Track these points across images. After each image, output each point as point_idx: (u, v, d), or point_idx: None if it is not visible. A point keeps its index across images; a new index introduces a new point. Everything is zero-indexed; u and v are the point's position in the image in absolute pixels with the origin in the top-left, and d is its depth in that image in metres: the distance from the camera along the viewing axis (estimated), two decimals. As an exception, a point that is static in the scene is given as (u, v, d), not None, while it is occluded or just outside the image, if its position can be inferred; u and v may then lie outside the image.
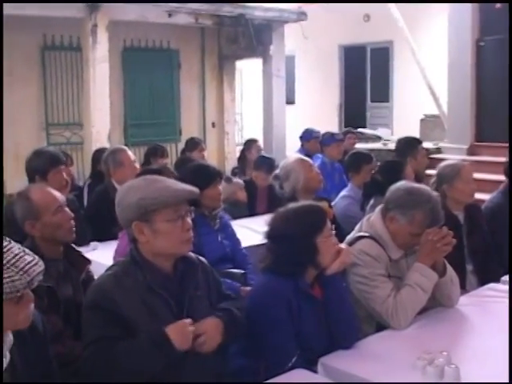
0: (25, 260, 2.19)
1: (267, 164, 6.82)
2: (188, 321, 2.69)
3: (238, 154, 10.49)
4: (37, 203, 3.42)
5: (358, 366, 2.96)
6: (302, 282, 3.13)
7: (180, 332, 2.65)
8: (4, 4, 9.10)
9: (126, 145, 10.04)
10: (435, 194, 3.74)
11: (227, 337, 2.85)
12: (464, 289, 4.09)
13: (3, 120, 10.35)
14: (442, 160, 6.35)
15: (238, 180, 6.65)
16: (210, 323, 2.79)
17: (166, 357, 2.62)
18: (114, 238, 4.75)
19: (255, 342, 3.10)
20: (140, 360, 2.60)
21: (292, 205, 3.31)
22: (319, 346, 3.12)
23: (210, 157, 10.82)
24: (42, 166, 4.86)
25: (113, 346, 2.61)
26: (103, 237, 5.17)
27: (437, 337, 3.28)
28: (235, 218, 5.17)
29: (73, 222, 3.49)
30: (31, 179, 4.85)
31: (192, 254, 2.97)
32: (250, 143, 8.91)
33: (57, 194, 3.55)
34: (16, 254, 2.19)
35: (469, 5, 10.73)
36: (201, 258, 3.03)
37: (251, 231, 5.30)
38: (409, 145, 6.53)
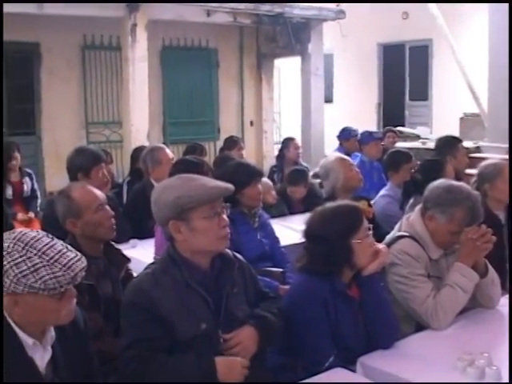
0: (68, 256, 2.23)
1: (303, 177, 6.75)
2: (241, 360, 2.70)
3: (276, 153, 10.48)
4: (78, 202, 3.45)
5: (397, 365, 2.94)
6: (339, 282, 3.12)
7: (229, 368, 2.67)
8: (44, 4, 9.26)
9: (164, 143, 10.10)
10: (475, 192, 3.70)
11: (262, 345, 2.86)
12: (505, 289, 4.04)
13: (40, 119, 10.52)
14: (481, 159, 6.27)
15: (266, 181, 6.54)
16: (245, 333, 2.80)
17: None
18: (152, 235, 4.78)
19: (292, 342, 3.10)
20: (180, 380, 2.62)
21: (329, 204, 3.29)
22: (357, 345, 3.10)
23: (248, 155, 10.84)
24: (84, 163, 4.89)
25: (153, 350, 2.63)
26: (142, 234, 5.20)
27: (477, 338, 3.25)
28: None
29: (113, 221, 3.51)
30: (73, 177, 4.88)
31: (229, 251, 2.97)
32: (287, 141, 8.91)
33: (98, 192, 3.58)
34: (59, 251, 2.23)
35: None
36: (237, 255, 3.04)
37: (290, 230, 5.30)
38: (449, 144, 6.46)
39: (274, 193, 6.27)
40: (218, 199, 2.81)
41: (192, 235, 2.76)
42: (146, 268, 2.87)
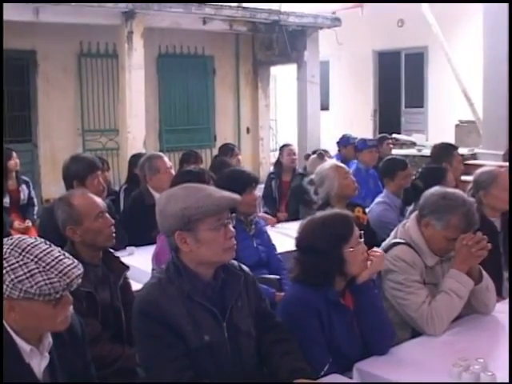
0: (64, 263, 2.25)
1: None
2: None
3: (272, 160, 10.50)
4: (78, 209, 3.46)
5: (393, 371, 2.95)
6: (331, 291, 3.10)
7: None
8: (41, 11, 9.27)
9: (160, 150, 10.12)
10: (470, 199, 3.72)
11: None
12: (500, 296, 4.06)
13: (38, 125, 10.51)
14: (477, 166, 6.30)
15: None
16: None
17: None
18: (149, 243, 4.78)
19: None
20: None
21: (319, 214, 3.26)
22: (352, 353, 3.10)
23: (245, 162, 10.84)
24: (80, 171, 4.90)
25: (176, 357, 2.64)
26: (138, 242, 5.19)
27: (472, 344, 3.26)
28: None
29: (113, 229, 3.52)
30: (69, 185, 4.90)
31: (235, 263, 2.95)
32: (282, 148, 8.97)
33: (98, 200, 3.59)
34: (56, 257, 2.25)
35: (505, 5, 10.34)
36: (244, 267, 3.00)
37: (286, 237, 5.30)
38: (445, 151, 6.49)
39: None
40: (225, 210, 2.77)
41: (198, 246, 2.72)
42: (151, 278, 2.85)
